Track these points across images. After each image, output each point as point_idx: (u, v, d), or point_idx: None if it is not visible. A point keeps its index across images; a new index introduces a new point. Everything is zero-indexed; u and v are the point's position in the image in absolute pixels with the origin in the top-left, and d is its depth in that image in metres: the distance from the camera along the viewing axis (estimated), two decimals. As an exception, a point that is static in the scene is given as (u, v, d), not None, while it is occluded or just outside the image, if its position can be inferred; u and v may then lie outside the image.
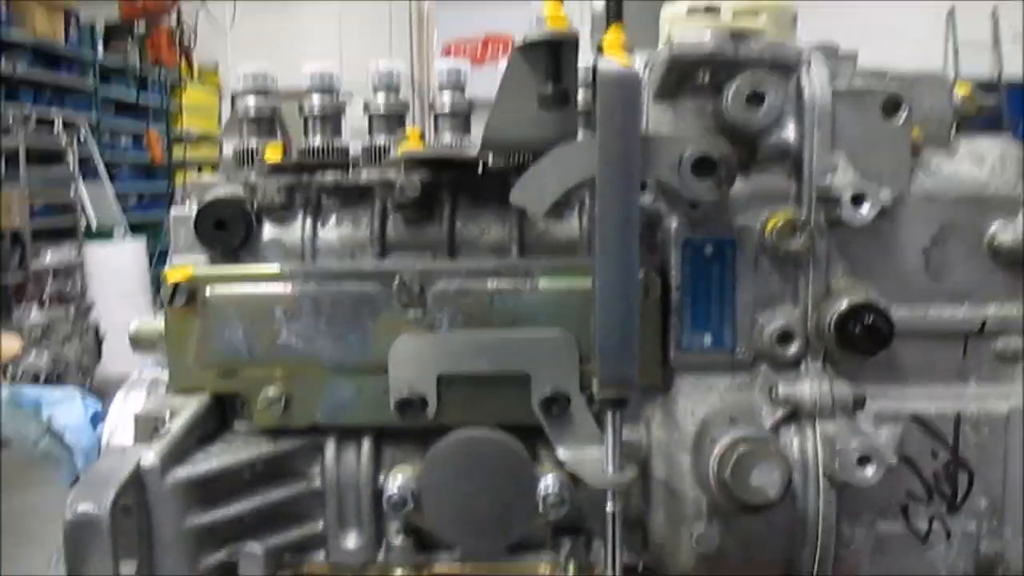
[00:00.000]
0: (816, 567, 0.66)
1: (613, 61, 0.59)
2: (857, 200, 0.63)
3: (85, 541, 0.58)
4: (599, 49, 0.61)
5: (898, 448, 0.66)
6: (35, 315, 2.87)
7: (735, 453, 0.60)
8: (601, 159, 0.59)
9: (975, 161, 0.69)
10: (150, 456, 0.63)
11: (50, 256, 2.98)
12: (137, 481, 0.62)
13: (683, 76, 0.66)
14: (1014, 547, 0.70)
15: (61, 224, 6.02)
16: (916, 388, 0.69)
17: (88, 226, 6.27)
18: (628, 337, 0.61)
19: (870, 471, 0.62)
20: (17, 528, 1.62)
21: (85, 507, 0.58)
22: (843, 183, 0.63)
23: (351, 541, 0.72)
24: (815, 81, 0.66)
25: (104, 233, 6.35)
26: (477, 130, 0.74)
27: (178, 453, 0.65)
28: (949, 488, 0.69)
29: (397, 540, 0.72)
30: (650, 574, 0.71)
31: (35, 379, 2.68)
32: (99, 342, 3.04)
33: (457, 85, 0.76)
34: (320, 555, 0.73)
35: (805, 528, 0.66)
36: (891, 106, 0.67)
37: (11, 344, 2.85)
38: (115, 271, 5.90)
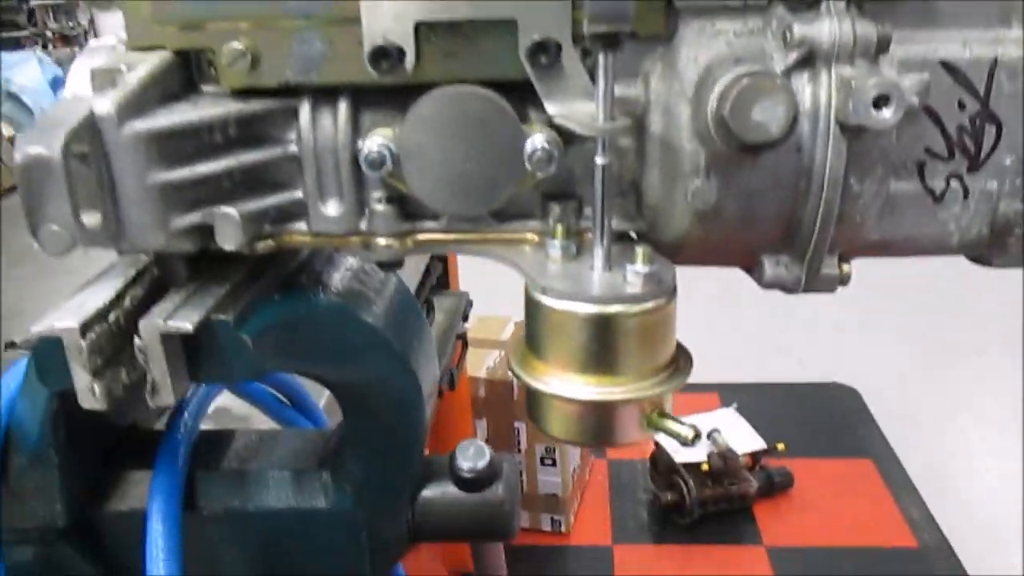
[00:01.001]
0: (818, 224, 0.62)
1: None
2: None
3: (39, 184, 0.55)
4: None
5: (922, 95, 0.60)
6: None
7: (736, 87, 0.54)
8: None
9: None
10: (105, 103, 0.59)
11: (48, -8, 2.83)
12: (92, 128, 0.58)
13: None
14: (1037, 209, 0.65)
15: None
16: (950, 32, 0.61)
17: (93, -27, 6.01)
18: (622, -44, 0.53)
19: (887, 112, 0.56)
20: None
21: (35, 148, 0.55)
22: None
23: (332, 208, 0.69)
24: None
25: (110, -19, 6.10)
26: None
27: (137, 103, 0.61)
28: (973, 143, 0.63)
29: (379, 207, 0.68)
30: (643, 239, 0.68)
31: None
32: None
33: None
34: (301, 224, 0.70)
35: (810, 181, 0.61)
36: None
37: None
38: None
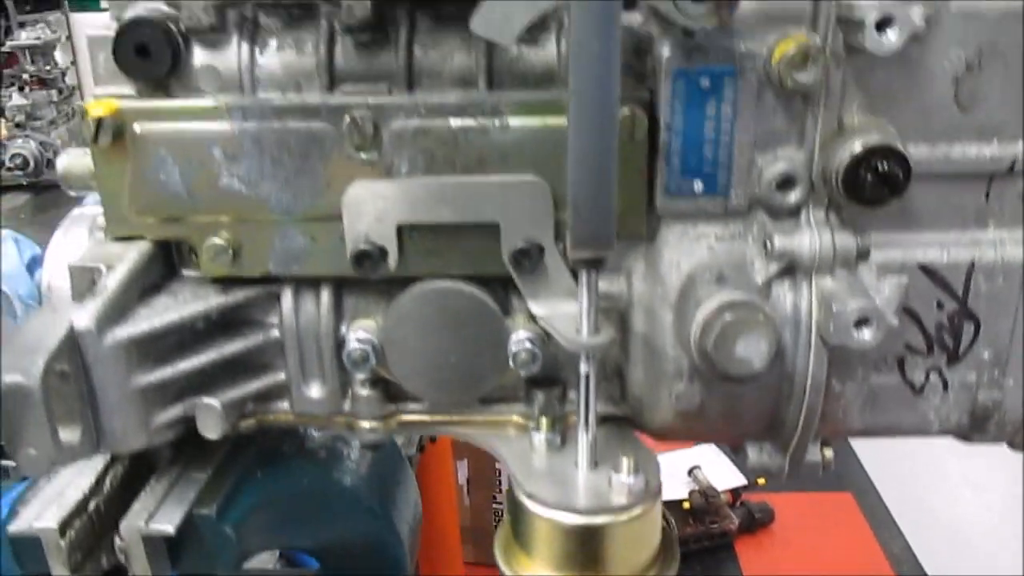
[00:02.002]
0: (801, 423, 0.63)
1: None
2: (883, 25, 0.53)
3: (19, 413, 0.55)
4: None
5: (901, 303, 0.60)
6: (16, 99, 2.75)
7: (720, 321, 0.54)
8: (577, -22, 0.49)
9: (1030, -33, 0.58)
10: (83, 317, 0.58)
11: (25, 35, 2.80)
12: (72, 345, 0.58)
13: None
14: (1013, 395, 0.66)
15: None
16: (928, 235, 0.62)
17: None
18: (605, 193, 0.53)
19: (868, 333, 0.56)
20: None
21: (13, 378, 0.54)
22: (868, 2, 0.53)
23: (315, 391, 0.69)
24: None
25: (91, 1, 6.04)
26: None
27: (117, 310, 0.60)
28: (952, 339, 0.64)
29: (363, 391, 0.68)
30: (628, 422, 0.68)
31: (24, 165, 2.62)
32: (86, 126, 2.93)
33: None
34: (284, 403, 0.70)
35: (792, 386, 0.62)
36: (937, -100, 0.55)
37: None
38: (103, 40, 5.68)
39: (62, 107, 2.81)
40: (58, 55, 2.88)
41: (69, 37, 5.34)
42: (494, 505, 3.28)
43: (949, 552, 3.34)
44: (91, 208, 0.71)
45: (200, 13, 0.60)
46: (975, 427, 0.67)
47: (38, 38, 2.76)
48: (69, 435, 0.58)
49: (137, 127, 0.62)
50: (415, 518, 0.87)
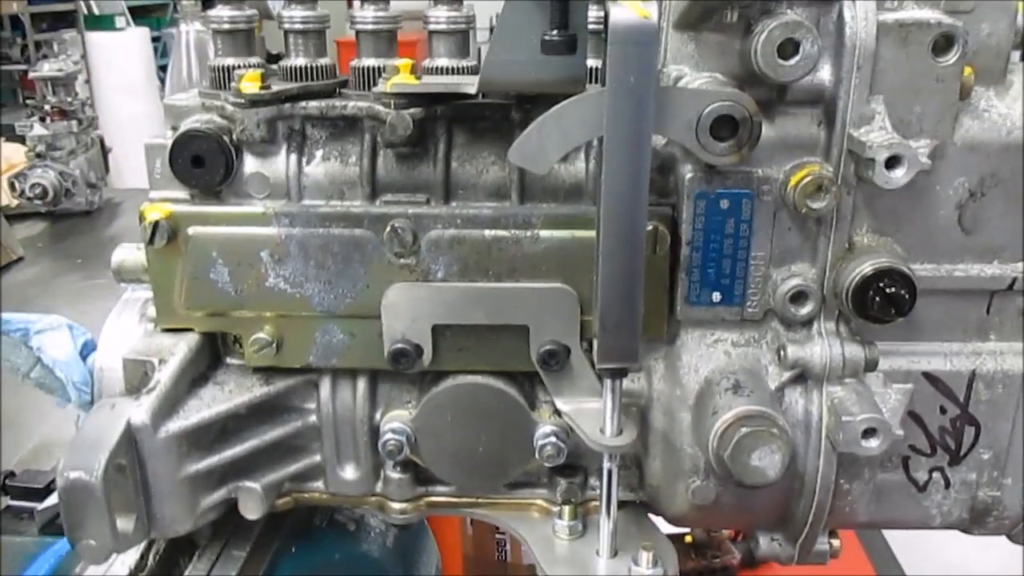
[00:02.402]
0: (812, 518, 0.67)
1: (628, 9, 0.51)
2: (892, 162, 0.57)
3: (80, 506, 0.58)
4: (613, -10, 0.53)
5: (906, 411, 0.64)
6: (37, 129, 2.79)
7: (736, 434, 0.58)
8: (609, 118, 0.53)
9: (1030, 101, 0.62)
10: (140, 414, 0.62)
11: (48, 66, 2.85)
12: (129, 440, 0.62)
13: (708, 11, 0.58)
14: (1012, 493, 0.70)
15: (60, 7, 5.75)
16: (932, 345, 0.66)
17: (88, 11, 6.02)
18: (632, 311, 0.57)
19: (874, 443, 0.60)
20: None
21: (77, 475, 0.58)
22: (878, 141, 0.57)
23: (349, 473, 0.73)
24: (859, 15, 0.58)
25: (105, 20, 6.10)
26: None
27: (169, 404, 0.64)
28: (954, 442, 0.67)
29: (394, 474, 0.72)
30: (645, 507, 0.72)
31: (43, 194, 2.66)
32: (105, 156, 2.98)
33: (454, -2, 0.67)
34: (318, 483, 0.74)
35: (803, 484, 0.65)
36: (943, 43, 0.59)
37: (13, 155, 2.80)
38: (119, 62, 5.75)
39: (81, 138, 2.84)
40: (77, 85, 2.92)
41: (84, 56, 5.41)
42: (496, 535, 3.30)
43: (950, 589, 3.34)
44: (139, 292, 0.75)
45: (253, 127, 0.64)
46: (975, 522, 0.71)
47: (60, 70, 2.81)
48: (125, 524, 0.61)
49: (190, 231, 0.66)
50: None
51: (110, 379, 0.71)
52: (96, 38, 5.95)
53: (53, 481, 1.32)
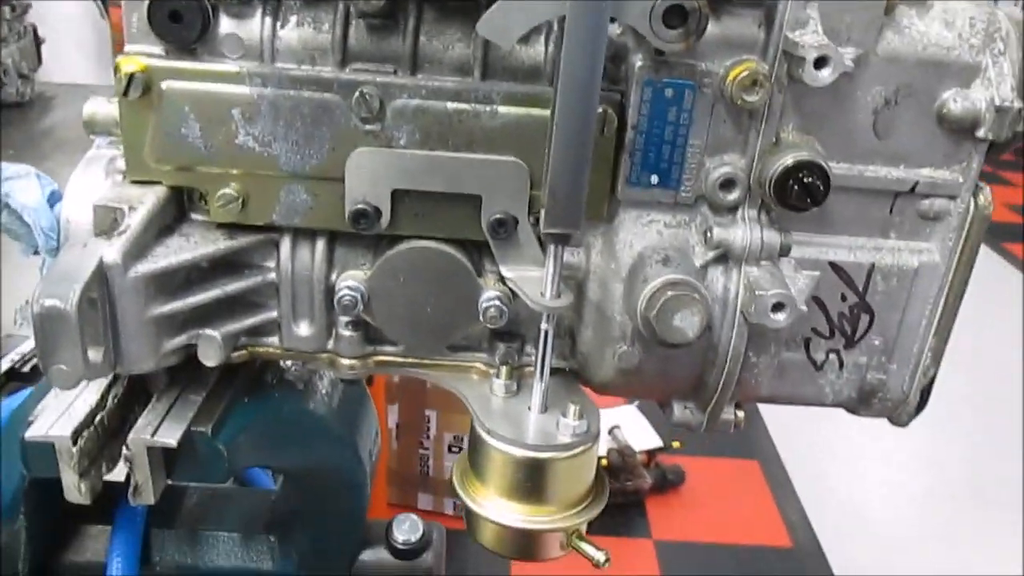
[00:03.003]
0: (721, 386, 0.75)
1: None
2: (820, 63, 0.63)
3: (55, 332, 0.62)
4: None
5: (811, 293, 0.72)
6: (-35, 11, 2.69)
7: (663, 297, 0.65)
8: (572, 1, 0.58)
9: (945, 22, 0.69)
10: (112, 253, 0.66)
11: (-23, -56, 2.73)
12: (100, 276, 0.65)
13: (667, -92, 0.63)
14: (896, 377, 0.79)
15: None
16: (839, 238, 0.74)
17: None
18: (579, 183, 0.63)
19: (781, 316, 0.68)
20: None
21: (52, 302, 0.62)
22: (810, 43, 0.63)
23: (303, 329, 0.77)
24: (802, -74, 0.64)
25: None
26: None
27: (139, 248, 0.68)
28: (850, 327, 0.76)
29: (346, 332, 0.77)
30: (575, 375, 0.79)
31: (-31, 81, 2.58)
32: (38, 46, 2.89)
33: None
34: (273, 339, 0.79)
35: (716, 354, 0.73)
36: (873, -41, 0.65)
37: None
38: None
39: (14, 25, 2.75)
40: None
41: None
42: (420, 451, 3.40)
43: (844, 523, 3.59)
44: (104, 150, 0.77)
45: (231, -13, 0.67)
46: (862, 402, 0.80)
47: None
48: (94, 355, 0.65)
49: (164, 84, 0.69)
50: (376, 447, 0.96)
51: (76, 228, 0.74)
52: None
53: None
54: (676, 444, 3.71)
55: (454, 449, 3.40)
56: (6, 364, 1.36)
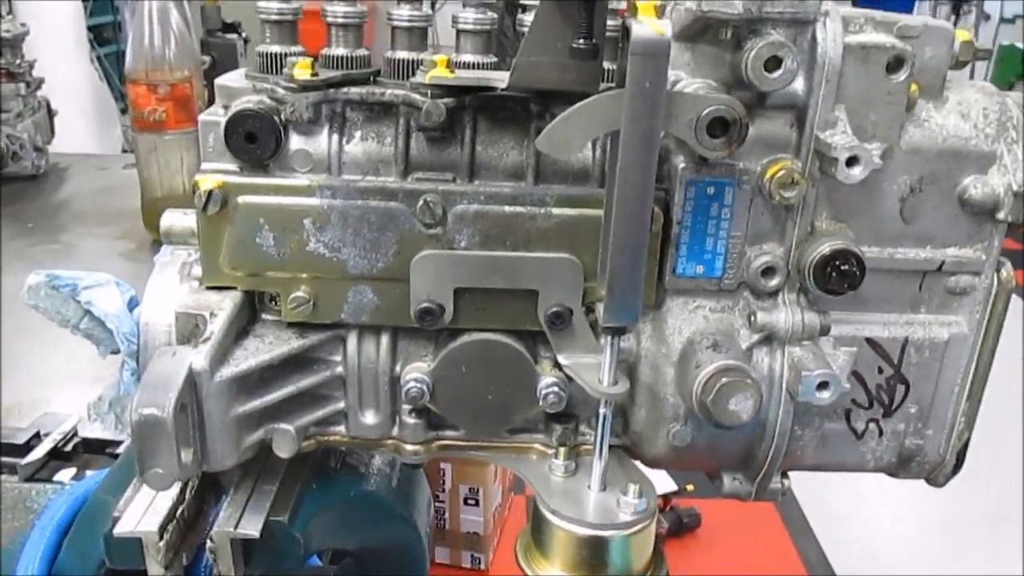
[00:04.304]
0: (769, 459, 0.79)
1: (646, 26, 0.62)
2: (852, 162, 0.68)
3: (152, 439, 0.67)
4: (633, 8, 0.63)
5: (851, 369, 0.77)
6: (-17, 91, 2.75)
7: (717, 383, 0.70)
8: (627, 117, 0.64)
9: (961, 114, 0.75)
10: (200, 360, 0.70)
11: (-7, 25, 2.81)
12: (190, 383, 0.70)
13: (706, 28, 0.69)
14: (932, 441, 0.83)
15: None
16: (874, 315, 0.79)
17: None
18: (635, 279, 0.68)
19: (826, 394, 0.72)
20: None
21: (151, 411, 0.66)
22: (841, 144, 0.69)
23: (369, 418, 0.82)
24: (829, 37, 0.69)
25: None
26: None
27: (221, 353, 0.73)
28: (887, 397, 0.81)
29: (410, 419, 0.82)
30: (627, 451, 0.83)
31: (-11, 158, 2.64)
32: (51, 118, 2.95)
33: (482, 0, 0.77)
34: (341, 428, 0.83)
35: (764, 430, 0.78)
36: (895, 63, 0.71)
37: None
38: (47, 24, 5.59)
39: (28, 100, 2.82)
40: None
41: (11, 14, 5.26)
42: (436, 504, 3.40)
43: (859, 557, 3.61)
44: (176, 255, 0.82)
45: (302, 109, 0.73)
46: (902, 466, 0.84)
47: (7, 31, 2.77)
48: (186, 456, 0.70)
49: (240, 199, 0.74)
50: (429, 521, 1.00)
51: (154, 331, 0.79)
52: (23, -2, 5.75)
53: (33, 438, 1.37)
54: (690, 487, 3.73)
55: (469, 502, 3.41)
56: (48, 444, 1.40)
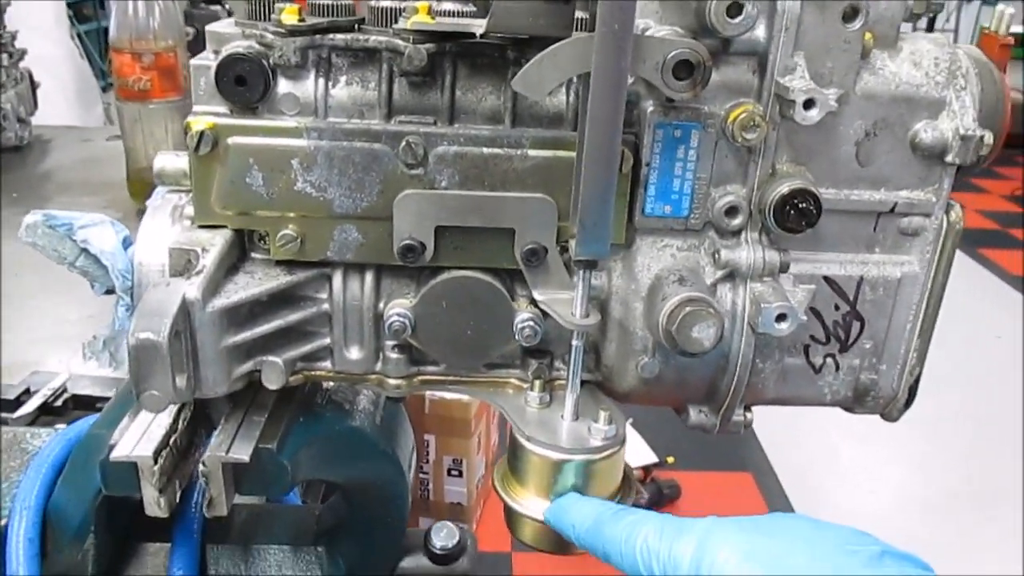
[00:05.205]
0: (732, 390, 0.84)
1: (615, -29, 0.66)
2: (808, 104, 0.73)
3: (148, 362, 0.70)
4: (602, -46, 0.67)
5: (809, 304, 0.81)
6: (-35, 61, 2.76)
7: (682, 312, 0.74)
8: (597, 58, 0.68)
9: (913, 63, 0.79)
10: (193, 290, 0.74)
11: (-26, -4, 2.80)
12: (184, 311, 0.74)
13: (673, -24, 0.73)
14: (886, 376, 0.88)
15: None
16: (831, 254, 0.83)
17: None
18: (606, 213, 0.72)
19: (784, 325, 0.77)
20: None
21: (147, 335, 0.70)
22: (798, 87, 0.73)
23: (354, 353, 0.86)
24: (788, -13, 0.74)
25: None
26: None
27: (213, 286, 0.76)
28: (844, 333, 0.85)
29: (393, 354, 0.86)
30: (599, 387, 0.88)
31: (-29, 128, 2.65)
32: (34, 90, 2.96)
33: (460, -49, 0.80)
34: (326, 363, 0.87)
35: (727, 362, 0.82)
36: (850, 13, 0.75)
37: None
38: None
39: (11, 71, 2.82)
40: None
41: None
42: (420, 475, 3.45)
43: (834, 527, 3.67)
44: (168, 198, 0.86)
45: (289, 54, 0.76)
46: (857, 400, 0.89)
47: (-10, 1, 2.78)
48: (180, 381, 0.73)
49: (231, 140, 0.78)
50: (412, 459, 1.05)
51: (148, 270, 0.82)
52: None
53: (23, 394, 1.41)
54: (671, 459, 3.79)
55: (453, 473, 3.46)
56: (39, 399, 1.43)
